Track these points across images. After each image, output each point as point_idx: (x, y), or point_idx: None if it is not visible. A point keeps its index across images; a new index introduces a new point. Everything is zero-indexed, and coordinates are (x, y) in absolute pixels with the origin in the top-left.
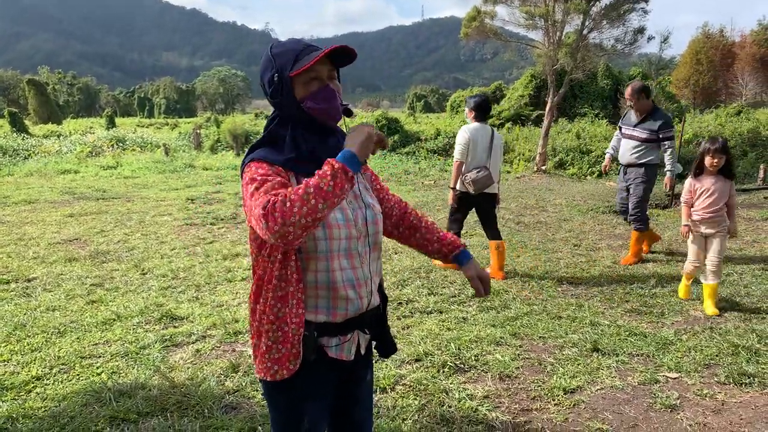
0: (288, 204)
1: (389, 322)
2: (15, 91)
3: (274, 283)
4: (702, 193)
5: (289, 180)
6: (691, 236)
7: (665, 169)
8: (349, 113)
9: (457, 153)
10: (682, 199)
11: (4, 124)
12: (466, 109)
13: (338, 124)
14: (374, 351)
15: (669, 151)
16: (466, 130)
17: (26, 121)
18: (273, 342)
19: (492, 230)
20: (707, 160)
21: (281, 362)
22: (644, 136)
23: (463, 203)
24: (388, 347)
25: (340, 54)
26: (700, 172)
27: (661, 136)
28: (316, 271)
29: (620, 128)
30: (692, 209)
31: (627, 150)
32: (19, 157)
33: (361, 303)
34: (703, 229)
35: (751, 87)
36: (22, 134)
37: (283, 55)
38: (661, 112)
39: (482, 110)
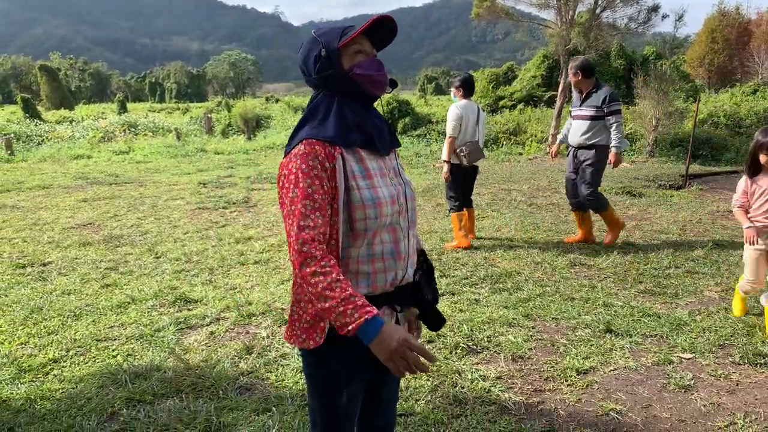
0: (314, 269)
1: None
2: (27, 78)
3: None
4: (761, 195)
5: (336, 160)
6: (749, 250)
7: (611, 145)
8: (394, 84)
9: (450, 129)
10: (735, 203)
11: (17, 110)
12: (453, 89)
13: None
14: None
15: (615, 126)
16: (458, 107)
17: (39, 107)
18: (303, 312)
19: (469, 198)
20: (763, 158)
21: (309, 332)
22: (590, 113)
23: (456, 175)
24: (434, 320)
25: (381, 32)
26: (756, 171)
27: (606, 110)
28: (359, 247)
29: (570, 112)
30: (749, 216)
31: (576, 131)
32: (32, 143)
33: (397, 275)
34: (763, 241)
35: (767, 66)
36: (35, 120)
37: (328, 33)
38: (606, 87)
39: (469, 87)
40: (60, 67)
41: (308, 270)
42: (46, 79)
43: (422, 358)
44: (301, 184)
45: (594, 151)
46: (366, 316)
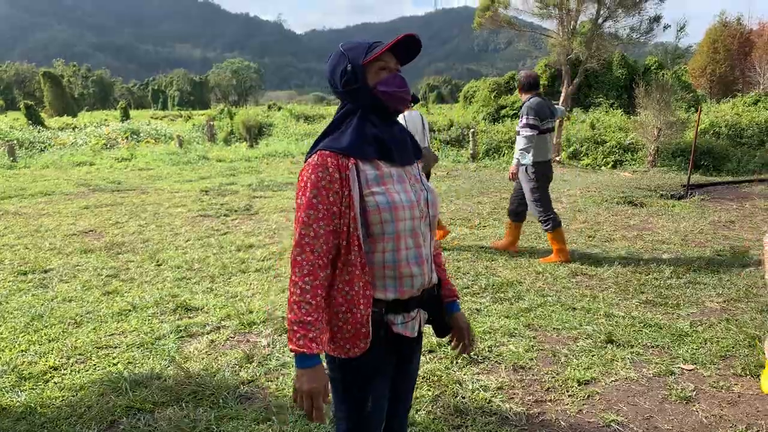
0: (292, 286)
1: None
2: (31, 84)
3: (339, 268)
4: None
5: (349, 170)
6: None
7: (514, 157)
8: (416, 100)
9: None
10: None
11: (20, 116)
12: None
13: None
14: (431, 331)
15: (518, 139)
16: (401, 117)
17: (42, 114)
18: (343, 323)
19: None
20: None
21: (352, 341)
22: (518, 128)
23: None
24: (443, 327)
25: (406, 49)
26: None
27: (517, 128)
28: (383, 252)
29: None
30: None
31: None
32: (35, 150)
33: (424, 279)
34: None
35: None
36: (38, 127)
37: (354, 48)
38: (529, 101)
39: (413, 99)
40: (63, 74)
41: (293, 278)
42: (50, 86)
43: (315, 414)
44: (308, 194)
45: (525, 167)
46: (305, 350)
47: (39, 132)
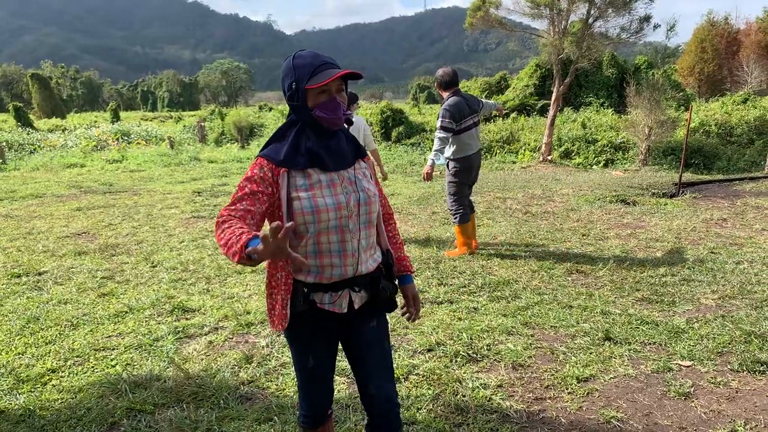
0: (218, 235)
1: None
2: (19, 86)
3: (269, 260)
4: None
5: (280, 175)
6: None
7: (429, 157)
8: (349, 123)
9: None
10: None
11: (8, 118)
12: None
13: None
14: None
15: (434, 140)
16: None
17: (30, 116)
18: (273, 303)
19: None
20: None
21: (278, 318)
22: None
23: None
24: (388, 304)
25: (349, 75)
26: None
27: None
28: (306, 246)
29: None
30: None
31: None
32: (24, 152)
33: (345, 270)
34: None
35: (756, 75)
36: (27, 128)
37: (302, 67)
38: (443, 103)
39: (351, 99)
40: (51, 76)
41: (216, 234)
42: (38, 88)
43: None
44: (241, 183)
45: (447, 163)
46: (243, 256)
47: (28, 134)
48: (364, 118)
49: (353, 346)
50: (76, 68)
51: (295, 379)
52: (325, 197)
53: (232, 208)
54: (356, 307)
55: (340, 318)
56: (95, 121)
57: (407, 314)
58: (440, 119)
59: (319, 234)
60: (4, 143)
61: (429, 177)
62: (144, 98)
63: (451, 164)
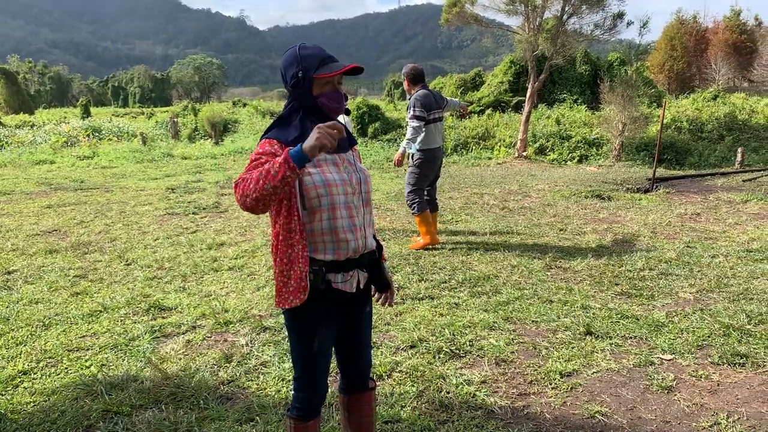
0: (247, 182)
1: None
2: None
3: (283, 234)
4: None
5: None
6: None
7: (401, 145)
8: (348, 113)
9: None
10: None
11: None
12: None
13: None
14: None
15: (407, 129)
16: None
17: None
18: (287, 278)
19: None
20: None
21: (294, 293)
22: (407, 118)
23: None
24: (383, 284)
25: (350, 69)
26: None
27: (407, 117)
28: (321, 221)
29: None
30: None
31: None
32: None
33: (357, 244)
34: None
35: (723, 72)
36: None
37: (309, 57)
38: (417, 93)
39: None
40: (18, 71)
41: (238, 191)
42: (4, 83)
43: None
44: (253, 156)
45: (411, 157)
46: (284, 153)
47: None
48: (348, 119)
49: (349, 326)
50: (44, 63)
51: (291, 370)
52: (333, 173)
53: (251, 168)
54: (362, 287)
55: (347, 298)
56: (65, 117)
57: (382, 298)
58: (412, 109)
59: (333, 209)
60: None
61: (399, 164)
62: (115, 94)
63: (416, 155)
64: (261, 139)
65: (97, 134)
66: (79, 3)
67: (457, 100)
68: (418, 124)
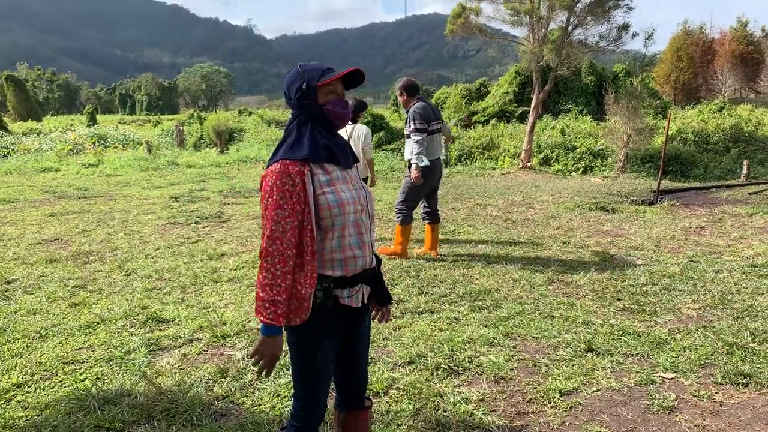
0: (263, 270)
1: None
2: None
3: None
4: None
5: (305, 175)
6: None
7: (412, 162)
8: (354, 120)
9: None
10: None
11: None
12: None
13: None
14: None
15: (408, 143)
16: (346, 131)
17: (5, 119)
18: (291, 298)
19: None
20: None
21: (295, 313)
22: (407, 132)
23: None
24: (384, 297)
25: (351, 78)
26: None
27: (405, 132)
28: (331, 239)
29: None
30: None
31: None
32: None
33: (365, 261)
34: None
35: (730, 83)
36: (1, 132)
37: (310, 71)
38: (415, 105)
39: (351, 119)
40: (27, 78)
41: (265, 264)
42: (13, 90)
43: (266, 372)
44: (275, 196)
45: (409, 165)
46: (274, 323)
47: (2, 137)
48: (368, 129)
49: (349, 339)
50: (52, 71)
51: (287, 385)
52: (345, 191)
53: (281, 231)
54: (365, 301)
55: (351, 313)
56: (72, 125)
57: (379, 315)
58: (413, 122)
59: (344, 228)
60: None
61: (419, 179)
62: (122, 101)
63: (414, 166)
64: (271, 162)
65: (102, 142)
66: (88, 11)
67: (447, 127)
68: (420, 137)
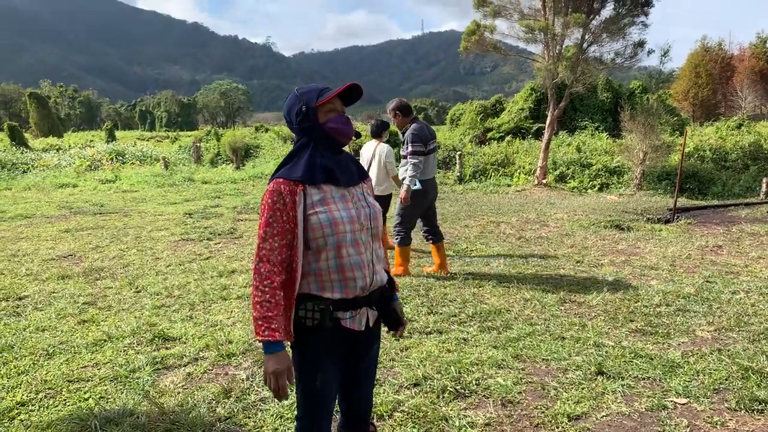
0: (253, 290)
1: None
2: (17, 105)
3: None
4: None
5: (297, 194)
6: None
7: (404, 182)
8: (358, 135)
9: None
10: None
11: (3, 137)
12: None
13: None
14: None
15: (407, 165)
16: (373, 149)
17: (27, 135)
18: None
19: None
20: None
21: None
22: (403, 153)
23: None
24: (393, 321)
25: (349, 95)
26: None
27: (402, 153)
28: (327, 260)
29: None
30: None
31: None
32: (17, 171)
33: (366, 282)
34: None
35: (750, 100)
36: (21, 148)
37: (307, 93)
38: (412, 126)
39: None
40: (50, 95)
41: (255, 282)
42: (36, 107)
43: (280, 391)
44: (266, 214)
45: (402, 187)
46: (269, 338)
47: (22, 153)
48: (389, 147)
49: (354, 362)
50: (74, 87)
51: (290, 407)
52: (340, 210)
53: (268, 249)
54: (371, 325)
55: (354, 336)
56: (91, 141)
57: (394, 331)
58: (410, 145)
59: (339, 247)
60: None
61: (407, 200)
62: (142, 118)
63: (404, 187)
64: (271, 179)
65: (120, 158)
66: (111, 29)
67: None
68: (418, 160)
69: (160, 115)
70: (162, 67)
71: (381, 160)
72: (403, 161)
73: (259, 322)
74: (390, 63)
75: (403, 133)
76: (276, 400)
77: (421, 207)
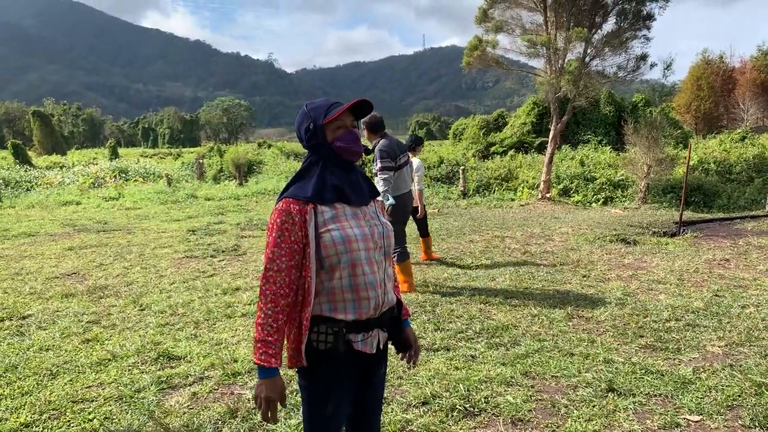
0: (258, 310)
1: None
2: (21, 123)
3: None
4: None
5: (307, 213)
6: None
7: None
8: (368, 152)
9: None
10: None
11: (7, 155)
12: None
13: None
14: (391, 347)
15: (379, 183)
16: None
17: (31, 153)
18: (300, 340)
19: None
20: None
21: (298, 355)
22: (374, 170)
23: None
24: (403, 344)
25: (359, 108)
26: None
27: (373, 170)
28: (341, 279)
29: None
30: None
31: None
32: (21, 189)
33: (378, 301)
34: None
35: (752, 112)
36: (25, 166)
37: (316, 109)
38: (380, 143)
39: (365, 151)
40: (53, 113)
41: (260, 303)
42: (39, 125)
43: (270, 416)
44: (274, 234)
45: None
46: (265, 364)
47: (26, 171)
48: (420, 161)
49: (362, 386)
50: (78, 105)
51: (297, 428)
52: (353, 228)
53: (275, 270)
54: (381, 347)
55: (366, 359)
56: (95, 158)
57: (407, 357)
58: (379, 161)
59: (354, 266)
60: (1, 181)
61: (388, 217)
62: (145, 135)
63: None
64: (279, 198)
65: (123, 175)
66: (113, 47)
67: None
68: (387, 176)
69: (162, 132)
70: (165, 85)
71: (413, 174)
72: (375, 178)
73: (258, 345)
74: (392, 78)
75: (372, 149)
76: (268, 423)
77: (404, 219)
